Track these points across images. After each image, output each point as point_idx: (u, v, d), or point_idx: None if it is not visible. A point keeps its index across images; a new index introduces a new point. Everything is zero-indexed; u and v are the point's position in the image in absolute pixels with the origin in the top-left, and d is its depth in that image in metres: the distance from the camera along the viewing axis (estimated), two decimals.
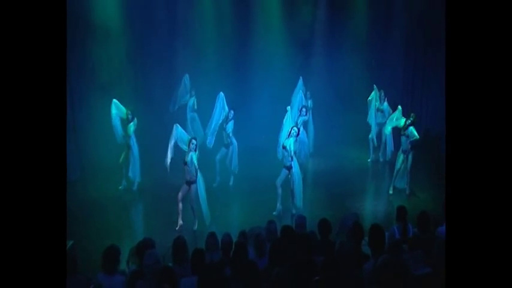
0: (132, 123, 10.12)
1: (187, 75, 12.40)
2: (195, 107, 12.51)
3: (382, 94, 12.46)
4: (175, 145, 8.54)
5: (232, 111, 10.38)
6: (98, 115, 11.08)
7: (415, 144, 10.00)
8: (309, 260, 4.70)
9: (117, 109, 10.15)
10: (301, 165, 9.79)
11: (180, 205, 8.62)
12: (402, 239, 5.97)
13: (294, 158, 9.10)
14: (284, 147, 8.99)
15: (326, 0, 14.49)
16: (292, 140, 8.90)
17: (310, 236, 5.39)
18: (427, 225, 5.92)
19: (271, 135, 10.49)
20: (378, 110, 12.42)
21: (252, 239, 5.64)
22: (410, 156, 10.05)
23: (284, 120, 9.21)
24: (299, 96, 11.79)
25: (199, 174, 8.46)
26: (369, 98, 12.44)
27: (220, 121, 10.28)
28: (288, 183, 9.19)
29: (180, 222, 8.65)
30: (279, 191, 9.24)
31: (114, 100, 10.15)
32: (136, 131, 10.22)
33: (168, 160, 8.48)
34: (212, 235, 5.82)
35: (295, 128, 9.06)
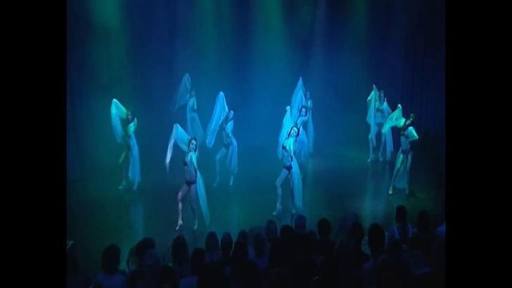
0: (132, 124, 10.12)
1: (187, 75, 12.39)
2: (195, 107, 12.50)
3: (382, 94, 12.46)
4: (175, 145, 8.54)
5: (232, 111, 10.38)
6: (98, 115, 11.07)
7: (414, 145, 10.01)
8: (309, 260, 4.70)
9: (117, 109, 10.14)
10: (300, 165, 9.80)
11: (180, 205, 8.62)
12: (402, 238, 5.97)
13: (294, 158, 9.11)
14: (284, 148, 8.99)
15: (326, 0, 14.48)
16: (291, 140, 8.90)
17: (310, 236, 5.39)
18: (426, 225, 5.93)
19: (271, 135, 10.49)
20: (377, 110, 12.42)
21: (251, 239, 5.64)
22: (409, 157, 10.05)
23: (284, 120, 9.21)
24: (299, 96, 11.78)
25: (198, 174, 8.47)
26: (368, 98, 12.45)
27: (221, 121, 10.28)
28: (287, 183, 9.19)
29: (180, 222, 8.65)
30: (279, 191, 9.24)
31: (114, 100, 10.14)
32: (136, 131, 10.22)
33: (168, 160, 8.48)
34: (212, 235, 5.83)
35: (294, 128, 9.06)
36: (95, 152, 11.27)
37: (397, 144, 10.96)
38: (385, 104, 12.33)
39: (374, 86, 12.43)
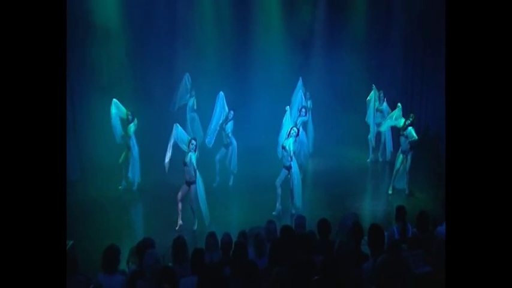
0: (132, 124, 10.11)
1: (188, 75, 12.38)
2: (195, 107, 12.51)
3: (382, 94, 12.46)
4: (175, 145, 8.54)
5: (232, 112, 10.39)
6: (98, 115, 11.07)
7: (414, 145, 10.01)
8: (309, 260, 4.71)
9: (117, 109, 10.14)
10: (300, 166, 9.80)
11: (180, 205, 8.62)
12: (401, 238, 5.97)
13: (294, 158, 9.11)
14: (283, 148, 9.00)
15: (325, 1, 14.47)
16: (291, 140, 8.91)
17: (310, 236, 5.39)
18: (426, 225, 5.94)
19: (271, 135, 10.49)
20: (377, 110, 12.42)
21: (251, 239, 5.65)
22: (409, 157, 10.05)
23: (283, 120, 9.22)
24: (299, 96, 11.78)
25: (198, 174, 8.47)
26: (368, 98, 12.45)
27: (221, 121, 10.28)
28: (287, 183, 9.19)
29: (180, 222, 8.66)
30: (279, 191, 9.24)
31: (114, 100, 10.14)
32: (136, 131, 10.22)
33: (167, 159, 8.48)
34: (212, 235, 5.83)
35: (294, 128, 9.07)
36: (95, 152, 11.27)
37: (396, 144, 10.96)
38: (385, 104, 12.32)
39: (373, 86, 12.43)
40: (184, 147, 8.53)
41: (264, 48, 14.05)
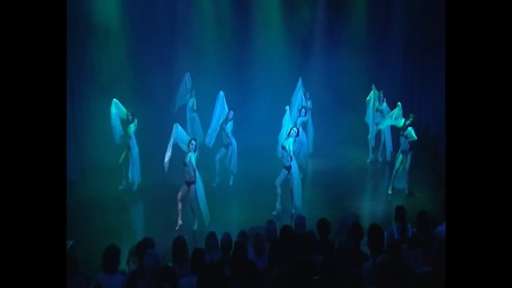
0: (132, 124, 10.11)
1: (188, 74, 12.39)
2: (195, 107, 12.51)
3: (381, 94, 12.46)
4: (175, 145, 8.55)
5: (231, 112, 10.39)
6: (98, 115, 11.07)
7: (413, 145, 10.01)
8: (308, 260, 4.71)
9: (117, 109, 10.14)
10: (300, 166, 9.80)
11: (180, 205, 8.63)
12: (401, 238, 5.98)
13: (293, 158, 9.11)
14: (283, 148, 9.00)
15: (325, 1, 14.48)
16: (291, 140, 8.91)
17: (310, 236, 5.39)
18: (426, 225, 5.93)
19: (270, 135, 10.50)
20: (376, 110, 12.43)
21: (251, 239, 5.65)
22: (409, 157, 10.05)
23: (283, 121, 9.23)
24: (299, 96, 11.78)
25: (197, 174, 8.47)
26: (368, 98, 12.46)
27: (221, 121, 10.28)
28: (287, 183, 9.20)
29: (180, 222, 8.66)
30: (279, 191, 9.25)
31: (114, 100, 10.14)
32: (136, 132, 10.22)
33: (167, 159, 8.48)
34: (212, 235, 5.83)
35: (294, 129, 9.07)
36: (95, 152, 11.27)
37: (396, 144, 10.97)
38: (385, 104, 12.32)
39: (373, 86, 12.44)
40: (184, 147, 8.54)
41: (264, 48, 14.06)
